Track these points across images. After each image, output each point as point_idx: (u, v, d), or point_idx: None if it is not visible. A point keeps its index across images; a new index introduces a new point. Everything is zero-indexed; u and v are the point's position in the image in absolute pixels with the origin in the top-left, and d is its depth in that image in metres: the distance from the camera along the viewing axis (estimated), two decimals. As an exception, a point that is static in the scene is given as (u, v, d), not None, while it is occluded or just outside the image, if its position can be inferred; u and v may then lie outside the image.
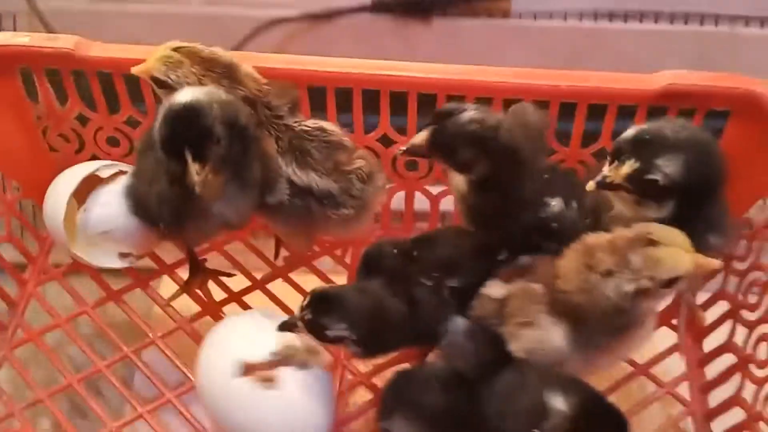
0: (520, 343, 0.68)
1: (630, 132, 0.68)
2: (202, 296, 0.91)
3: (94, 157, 0.95)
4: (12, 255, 0.92)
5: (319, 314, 0.70)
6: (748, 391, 0.77)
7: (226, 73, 0.76)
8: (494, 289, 0.71)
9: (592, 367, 0.71)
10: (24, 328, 0.89)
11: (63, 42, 0.84)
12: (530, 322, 0.68)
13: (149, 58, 0.76)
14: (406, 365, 0.80)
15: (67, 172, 0.90)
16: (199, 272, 0.91)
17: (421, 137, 0.70)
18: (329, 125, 0.79)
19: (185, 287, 0.91)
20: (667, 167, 0.66)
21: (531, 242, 0.72)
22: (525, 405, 0.64)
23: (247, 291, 0.91)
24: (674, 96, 0.79)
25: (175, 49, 0.76)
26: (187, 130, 0.68)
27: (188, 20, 1.07)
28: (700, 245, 0.65)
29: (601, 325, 0.66)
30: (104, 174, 0.88)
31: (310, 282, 0.88)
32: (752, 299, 0.78)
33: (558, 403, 0.62)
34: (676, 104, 0.80)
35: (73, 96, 0.90)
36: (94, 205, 0.88)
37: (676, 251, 0.62)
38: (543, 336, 0.67)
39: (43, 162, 0.95)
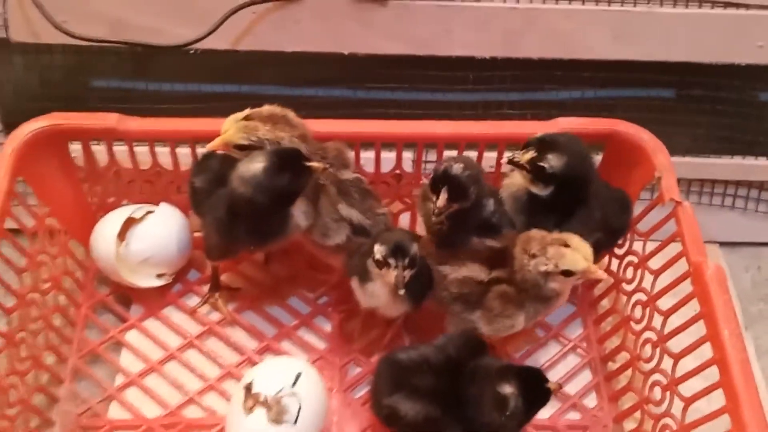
0: (495, 325, 0.93)
1: (539, 135, 0.94)
2: (219, 307, 1.09)
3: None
4: (67, 284, 1.09)
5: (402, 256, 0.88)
6: (630, 340, 1.02)
7: (284, 121, 0.95)
8: (478, 273, 0.94)
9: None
10: (84, 340, 1.07)
11: (107, 120, 1.02)
12: (508, 315, 0.92)
13: (223, 133, 0.92)
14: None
15: (109, 217, 1.08)
16: (218, 287, 1.10)
17: (442, 201, 0.90)
18: (362, 178, 1.01)
19: (207, 298, 1.10)
20: (553, 161, 0.92)
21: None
22: (492, 402, 0.86)
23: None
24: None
25: (245, 118, 0.93)
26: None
27: (165, 1, 1.07)
28: (568, 228, 0.92)
29: (532, 294, 0.92)
30: (137, 215, 1.07)
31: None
32: (629, 275, 1.04)
33: (507, 389, 0.86)
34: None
35: (112, 159, 1.08)
36: (133, 240, 1.06)
37: (578, 255, 0.88)
38: (514, 322, 0.93)
39: (84, 209, 1.12)
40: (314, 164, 0.91)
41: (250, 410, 0.86)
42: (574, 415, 1.02)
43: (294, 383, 0.88)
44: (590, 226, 0.96)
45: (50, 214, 1.05)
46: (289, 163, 0.90)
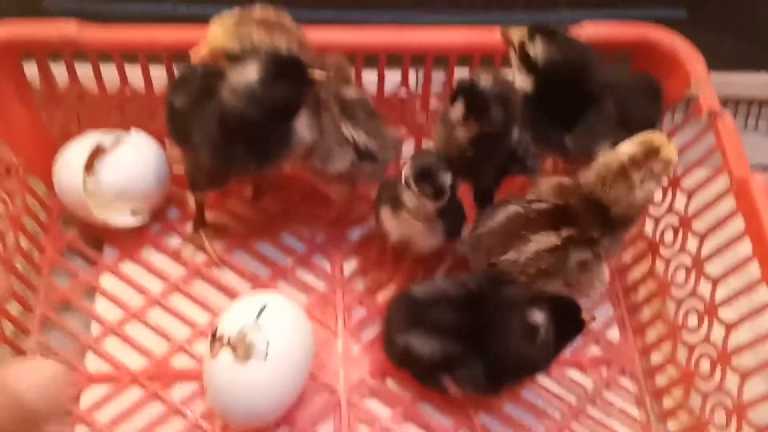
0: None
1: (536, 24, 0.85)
2: (205, 246, 0.96)
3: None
4: (28, 226, 0.95)
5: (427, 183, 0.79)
6: (658, 267, 0.93)
7: (279, 27, 0.83)
8: (548, 240, 0.81)
9: None
10: (52, 287, 0.94)
11: (65, 28, 0.87)
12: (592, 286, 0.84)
13: (211, 39, 0.80)
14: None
15: (73, 147, 0.94)
16: (203, 225, 0.98)
17: (458, 113, 0.80)
18: (367, 97, 0.89)
19: (191, 239, 0.97)
20: (539, 48, 0.83)
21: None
22: (520, 331, 0.78)
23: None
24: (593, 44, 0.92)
25: (237, 23, 0.81)
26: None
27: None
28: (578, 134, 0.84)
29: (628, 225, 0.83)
30: (106, 143, 0.93)
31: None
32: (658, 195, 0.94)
33: (538, 318, 0.78)
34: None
35: (73, 77, 0.93)
36: (104, 171, 0.93)
37: (671, 148, 0.79)
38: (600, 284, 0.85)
39: (43, 139, 0.97)
40: (317, 72, 0.79)
41: (216, 355, 0.77)
42: (596, 350, 0.94)
43: (258, 316, 0.79)
44: (605, 125, 0.86)
45: (5, 146, 0.91)
46: (288, 72, 0.78)
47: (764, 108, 1.11)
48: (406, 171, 0.79)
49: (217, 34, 0.80)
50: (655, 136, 0.79)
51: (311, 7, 1.03)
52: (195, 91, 0.84)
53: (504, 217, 0.83)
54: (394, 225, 0.86)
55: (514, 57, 0.84)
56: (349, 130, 0.86)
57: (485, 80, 0.80)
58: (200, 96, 0.83)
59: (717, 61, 1.07)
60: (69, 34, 0.87)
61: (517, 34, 0.83)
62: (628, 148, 0.79)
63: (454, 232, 0.87)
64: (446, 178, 0.79)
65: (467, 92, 0.80)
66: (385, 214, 0.86)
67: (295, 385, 0.81)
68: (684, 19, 1.11)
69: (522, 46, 0.83)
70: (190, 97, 0.84)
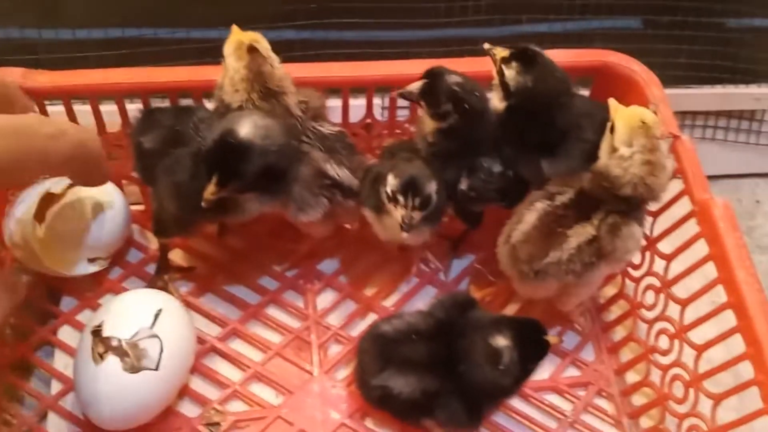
0: (619, 256, 0.83)
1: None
2: (171, 291, 0.92)
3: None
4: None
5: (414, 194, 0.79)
6: (629, 288, 0.95)
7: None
8: (585, 232, 0.82)
9: None
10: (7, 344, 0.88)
11: (8, 76, 0.82)
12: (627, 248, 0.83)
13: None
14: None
15: (22, 196, 0.89)
16: (168, 269, 0.94)
17: (415, 86, 0.82)
18: (345, 131, 0.87)
19: (153, 282, 0.93)
20: (513, 74, 0.83)
21: None
22: (484, 355, 0.78)
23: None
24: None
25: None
26: (225, 166, 0.72)
27: None
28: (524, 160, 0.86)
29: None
30: (57, 189, 0.89)
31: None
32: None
33: (501, 341, 0.78)
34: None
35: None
36: (55, 220, 0.88)
37: (642, 111, 0.79)
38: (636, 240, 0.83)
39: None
40: None
41: (101, 357, 0.73)
42: (573, 371, 0.95)
43: (153, 323, 0.76)
44: (583, 152, 0.85)
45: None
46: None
47: (721, 119, 1.14)
48: (391, 184, 0.78)
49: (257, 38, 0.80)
50: (627, 116, 0.79)
51: (263, 28, 1.01)
52: (165, 134, 0.80)
53: (534, 217, 0.83)
54: (380, 228, 0.87)
55: (496, 77, 0.84)
56: (333, 169, 0.85)
57: (455, 76, 0.82)
58: (170, 140, 0.79)
59: (678, 71, 1.10)
60: (13, 81, 0.82)
61: (501, 54, 0.83)
62: (630, 147, 0.78)
63: (436, 220, 0.87)
64: (431, 187, 0.79)
65: (432, 74, 0.82)
66: (370, 216, 0.87)
67: (176, 390, 0.80)
68: (640, 29, 1.13)
69: (500, 69, 0.83)
70: (161, 138, 0.81)
